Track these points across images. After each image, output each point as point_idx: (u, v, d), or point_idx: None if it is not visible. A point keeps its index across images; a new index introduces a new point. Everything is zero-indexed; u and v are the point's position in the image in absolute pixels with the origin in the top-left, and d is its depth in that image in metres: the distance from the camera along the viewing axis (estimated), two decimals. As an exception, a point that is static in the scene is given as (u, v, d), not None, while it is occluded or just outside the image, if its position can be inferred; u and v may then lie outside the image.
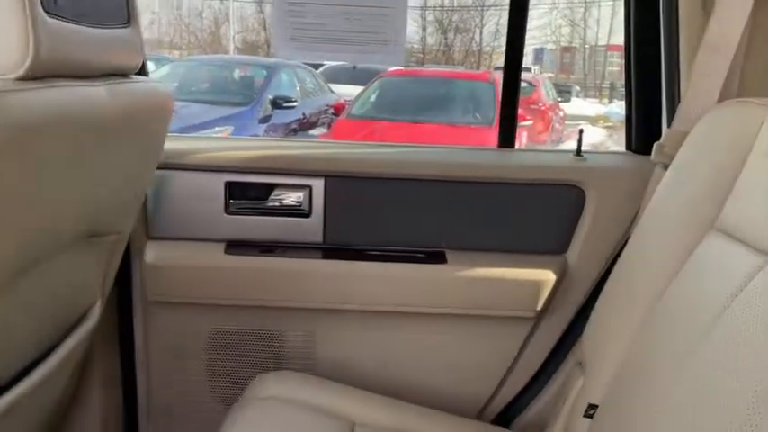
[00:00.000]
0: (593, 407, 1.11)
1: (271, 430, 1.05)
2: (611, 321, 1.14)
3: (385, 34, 1.34)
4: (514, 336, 1.32)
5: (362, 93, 7.10)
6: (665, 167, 1.17)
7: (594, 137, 9.09)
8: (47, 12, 0.70)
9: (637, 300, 1.09)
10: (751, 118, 0.98)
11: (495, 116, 6.88)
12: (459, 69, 15.80)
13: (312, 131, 7.52)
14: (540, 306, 1.29)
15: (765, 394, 0.62)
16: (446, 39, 22.13)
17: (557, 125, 9.61)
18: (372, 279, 1.30)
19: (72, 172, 0.82)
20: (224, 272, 1.28)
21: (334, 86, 8.84)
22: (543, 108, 9.44)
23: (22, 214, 0.74)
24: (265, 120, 6.73)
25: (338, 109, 7.91)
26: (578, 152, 1.35)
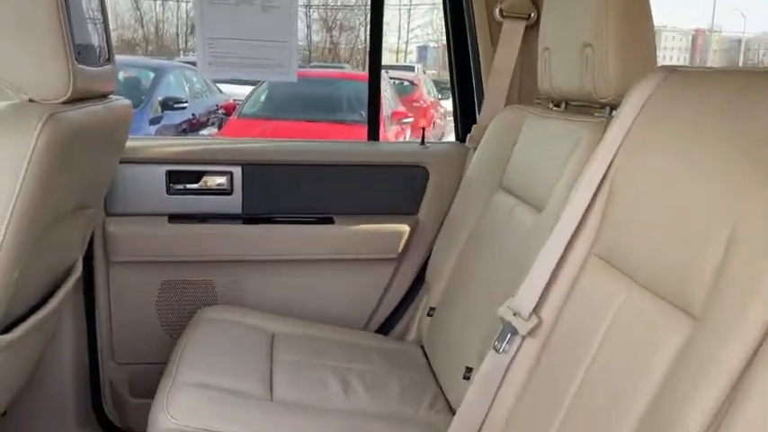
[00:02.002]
0: (432, 309, 1.68)
1: (212, 340, 1.51)
2: (443, 251, 1.72)
3: (280, 59, 1.84)
4: (385, 271, 1.87)
5: (252, 93, 7.31)
6: (475, 150, 1.76)
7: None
8: (77, 60, 1.14)
9: (458, 234, 1.68)
10: (519, 117, 1.58)
11: (380, 114, 7.44)
12: (346, 67, 16.30)
13: (203, 132, 7.65)
14: (400, 249, 1.85)
15: None
16: (331, 37, 22.59)
17: (438, 121, 10.26)
18: (279, 238, 1.80)
19: (83, 164, 1.26)
20: (168, 238, 1.73)
21: (223, 86, 9.03)
22: (425, 106, 10.11)
23: (53, 195, 1.17)
24: (156, 121, 6.83)
25: (228, 109, 8.09)
26: (422, 142, 1.92)
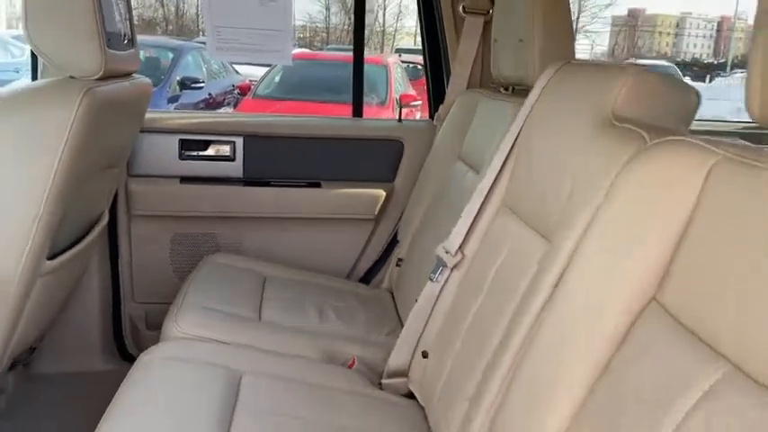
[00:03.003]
0: (400, 260, 1.99)
1: (214, 279, 1.82)
2: (411, 212, 2.02)
3: (277, 45, 2.14)
4: (365, 229, 2.18)
5: (267, 74, 7.57)
6: (440, 126, 2.06)
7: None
8: (108, 46, 1.45)
9: (423, 197, 1.97)
10: (475, 99, 1.87)
11: (389, 96, 7.69)
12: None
13: (219, 111, 7.97)
14: (377, 211, 2.16)
15: None
16: (350, 19, 22.74)
17: (446, 103, 10.48)
18: (274, 198, 2.12)
19: (111, 130, 1.57)
20: (180, 196, 2.06)
21: (239, 67, 9.34)
22: (433, 89, 10.32)
23: (88, 154, 1.48)
24: (174, 99, 7.16)
25: (243, 89, 8.38)
26: (399, 119, 2.22)
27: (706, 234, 0.74)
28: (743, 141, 0.81)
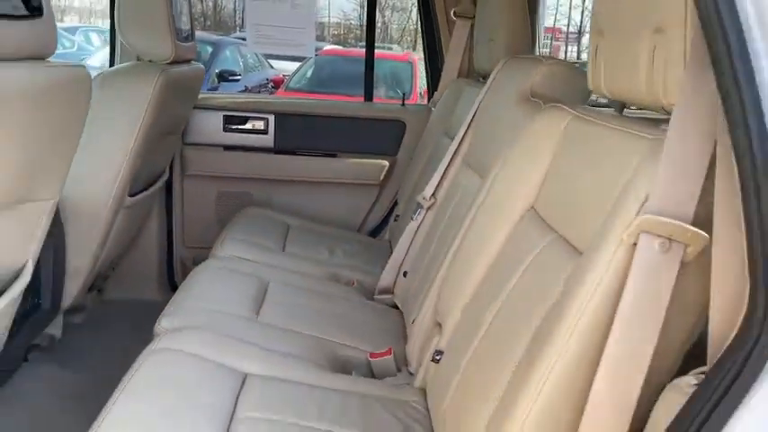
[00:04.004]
0: (397, 216, 2.45)
1: (248, 227, 2.30)
2: (407, 178, 2.48)
3: (302, 39, 2.63)
4: (371, 192, 2.66)
5: (299, 69, 8.09)
6: (434, 108, 2.52)
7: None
8: (177, 40, 1.95)
9: (417, 167, 2.42)
10: (461, 87, 2.32)
11: (413, 90, 8.14)
12: (394, 48, 16.93)
13: (254, 100, 8.43)
14: (381, 178, 2.63)
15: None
16: (383, 17, 23.21)
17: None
18: (299, 165, 2.61)
19: (176, 104, 2.07)
20: (223, 161, 2.57)
21: (274, 62, 9.89)
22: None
23: (160, 120, 1.97)
24: (212, 90, 7.74)
25: (277, 83, 8.90)
26: (403, 103, 2.70)
27: (561, 162, 1.20)
28: (591, 108, 1.27)
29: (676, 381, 0.76)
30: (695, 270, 0.79)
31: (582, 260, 0.91)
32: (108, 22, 2.47)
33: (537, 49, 2.16)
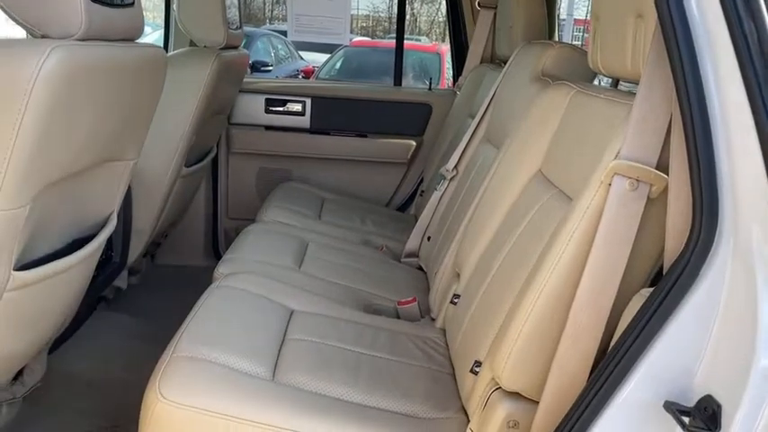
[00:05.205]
0: (422, 191, 2.67)
1: (286, 200, 2.54)
2: (432, 157, 2.70)
3: (337, 29, 2.86)
4: (399, 170, 2.88)
5: (329, 60, 8.32)
6: (459, 92, 2.73)
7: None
8: (229, 28, 2.19)
9: (442, 147, 2.64)
10: (484, 72, 2.52)
11: (441, 79, 8.30)
12: (422, 39, 17.10)
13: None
14: (409, 157, 2.85)
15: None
16: (413, 9, 23.32)
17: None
18: (333, 144, 2.85)
19: (226, 86, 2.32)
20: (264, 140, 2.81)
21: (304, 54, 10.13)
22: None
23: (213, 100, 2.22)
24: (245, 80, 7.99)
25: (307, 73, 9.12)
26: (429, 88, 2.91)
27: (564, 129, 1.40)
28: (592, 84, 1.47)
29: (640, 291, 0.97)
30: (658, 205, 0.99)
31: (570, 204, 1.12)
32: (149, 13, 2.70)
33: (555, 36, 2.36)
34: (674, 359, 0.86)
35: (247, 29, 10.36)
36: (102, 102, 1.27)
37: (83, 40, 1.15)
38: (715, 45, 0.82)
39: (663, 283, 0.88)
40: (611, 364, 0.89)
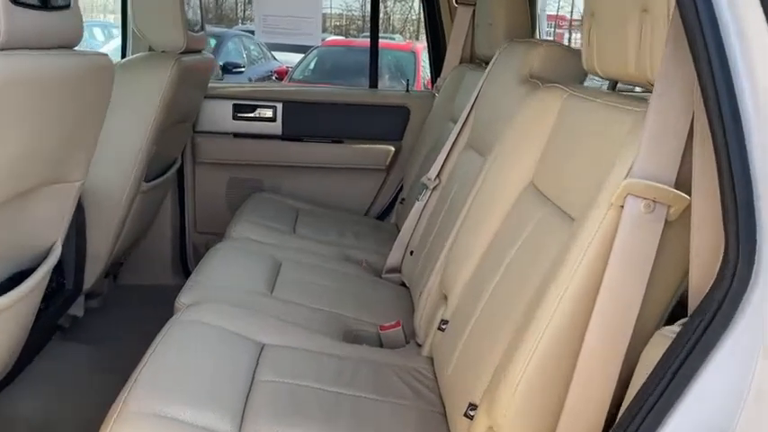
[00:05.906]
0: (403, 199, 2.53)
1: (258, 212, 2.38)
2: (411, 162, 2.56)
3: (308, 29, 2.70)
4: (378, 177, 2.73)
5: (302, 60, 8.14)
6: (438, 94, 2.59)
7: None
8: (189, 30, 2.02)
9: (421, 151, 2.50)
10: (463, 72, 2.39)
11: (416, 78, 8.18)
12: (396, 38, 17.02)
13: (258, 92, 8.48)
14: (387, 163, 2.71)
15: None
16: (385, 7, 23.22)
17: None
18: (306, 151, 2.69)
19: (188, 91, 2.15)
20: (233, 148, 2.64)
21: (277, 54, 9.94)
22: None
23: (173, 109, 2.05)
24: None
25: (281, 74, 8.96)
26: (407, 90, 2.76)
27: (558, 138, 1.27)
28: (586, 87, 1.34)
29: (661, 330, 0.83)
30: (678, 229, 0.86)
31: (574, 225, 0.98)
32: (109, 17, 2.54)
33: (537, 35, 2.23)
34: (710, 411, 0.73)
35: (218, 29, 10.18)
36: (34, 119, 1.10)
37: (3, 49, 0.98)
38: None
39: (694, 321, 0.75)
40: (637, 419, 0.75)
